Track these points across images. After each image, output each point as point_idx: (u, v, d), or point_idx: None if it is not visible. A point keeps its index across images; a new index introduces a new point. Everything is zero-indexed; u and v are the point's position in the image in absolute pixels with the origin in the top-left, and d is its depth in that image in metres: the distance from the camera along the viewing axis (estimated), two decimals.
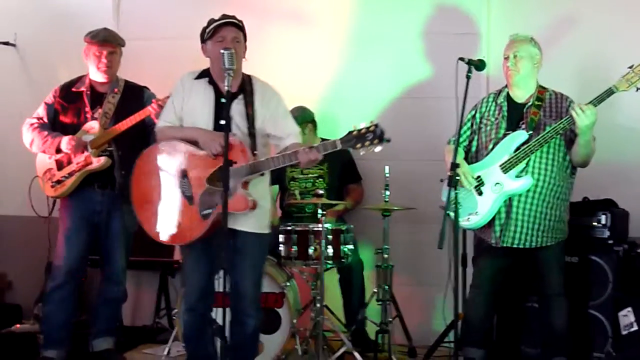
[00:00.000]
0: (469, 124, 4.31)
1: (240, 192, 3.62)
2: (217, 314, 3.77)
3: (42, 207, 4.77)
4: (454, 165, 3.83)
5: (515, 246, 4.12)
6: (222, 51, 3.51)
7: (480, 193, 4.17)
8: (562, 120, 3.99)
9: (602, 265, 4.46)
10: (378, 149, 3.44)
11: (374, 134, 3.42)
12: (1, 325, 5.19)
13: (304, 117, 5.02)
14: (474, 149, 4.31)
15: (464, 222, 4.15)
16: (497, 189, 4.10)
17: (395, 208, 4.72)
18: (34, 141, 4.52)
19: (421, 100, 5.28)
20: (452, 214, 3.95)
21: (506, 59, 4.19)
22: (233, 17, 3.77)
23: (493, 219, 4.15)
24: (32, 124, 4.55)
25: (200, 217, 3.68)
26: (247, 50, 3.83)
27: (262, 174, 3.72)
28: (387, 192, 4.69)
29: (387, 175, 4.69)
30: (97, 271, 4.77)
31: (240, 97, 3.76)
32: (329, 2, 5.47)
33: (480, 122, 4.29)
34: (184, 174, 3.74)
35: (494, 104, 4.27)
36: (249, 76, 3.83)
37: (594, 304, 4.45)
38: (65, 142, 4.41)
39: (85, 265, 4.65)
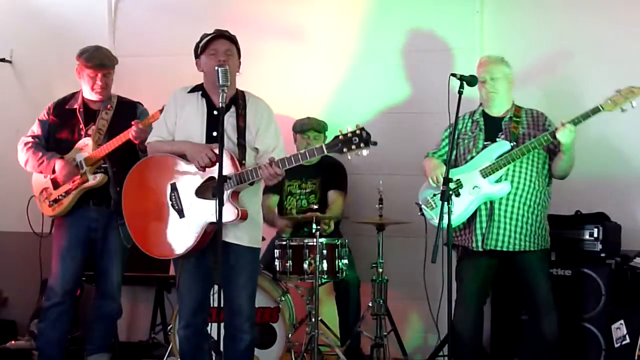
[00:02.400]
0: (446, 141, 4.42)
1: (229, 202, 3.60)
2: (211, 328, 3.78)
3: (37, 225, 4.78)
4: (447, 180, 3.86)
5: (498, 249, 4.16)
6: (216, 68, 3.55)
7: (457, 195, 4.21)
8: (545, 134, 4.10)
9: (595, 278, 4.49)
10: (365, 152, 3.43)
11: (360, 138, 3.42)
12: None
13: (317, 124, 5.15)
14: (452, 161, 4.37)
15: (437, 220, 4.19)
16: (474, 192, 4.17)
17: (390, 222, 4.75)
18: (28, 161, 4.53)
19: (415, 116, 5.31)
20: (427, 213, 4.17)
21: (483, 82, 4.27)
22: (225, 31, 3.81)
23: (474, 223, 4.19)
24: (26, 143, 4.56)
25: (190, 230, 3.69)
26: (243, 65, 3.88)
27: (252, 184, 3.69)
28: (381, 207, 4.72)
29: (381, 189, 4.72)
30: (92, 287, 4.78)
31: (232, 109, 3.78)
32: (323, 19, 5.50)
33: (458, 137, 4.36)
34: (173, 188, 3.75)
35: (470, 120, 4.37)
36: (242, 91, 3.87)
37: (587, 317, 4.48)
38: (59, 167, 4.42)
39: (80, 282, 4.66)
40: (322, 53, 5.49)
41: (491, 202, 4.16)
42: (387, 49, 5.40)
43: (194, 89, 3.88)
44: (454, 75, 3.99)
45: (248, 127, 3.78)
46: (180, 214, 3.73)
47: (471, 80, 4.03)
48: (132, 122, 4.34)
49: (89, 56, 4.48)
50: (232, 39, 3.81)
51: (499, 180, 4.15)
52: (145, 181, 3.84)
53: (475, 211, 4.19)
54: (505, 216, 4.15)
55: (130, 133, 4.31)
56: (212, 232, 3.64)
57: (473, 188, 4.17)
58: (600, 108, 4.00)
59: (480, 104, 4.39)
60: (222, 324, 3.49)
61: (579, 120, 4.00)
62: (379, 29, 5.41)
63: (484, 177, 4.16)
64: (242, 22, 5.37)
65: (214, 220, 3.55)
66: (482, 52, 5.18)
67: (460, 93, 3.93)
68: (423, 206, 4.33)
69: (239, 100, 3.81)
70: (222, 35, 3.78)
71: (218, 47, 3.75)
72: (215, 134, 3.69)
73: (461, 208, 4.18)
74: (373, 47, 5.42)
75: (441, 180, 4.17)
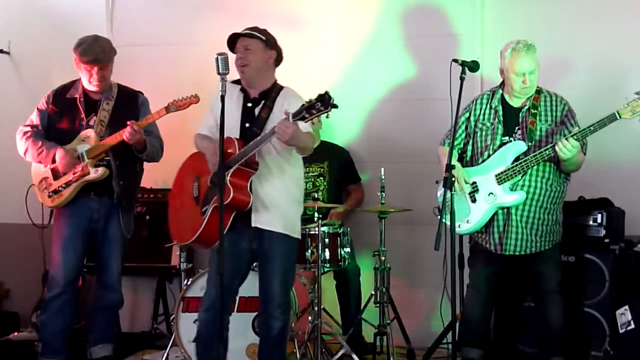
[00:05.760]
0: (463, 127, 4.33)
1: (226, 184, 3.66)
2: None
3: (38, 215, 4.77)
4: (449, 167, 3.84)
5: (517, 254, 4.15)
6: (215, 56, 3.55)
7: (473, 200, 4.20)
8: (547, 147, 4.02)
9: (598, 264, 4.48)
10: (325, 116, 3.49)
11: (322, 101, 3.44)
12: None
13: None
14: (469, 153, 4.31)
15: (456, 225, 4.16)
16: (490, 199, 4.14)
17: (392, 210, 4.74)
18: (28, 150, 4.48)
19: (416, 102, 5.29)
20: (446, 218, 3.93)
21: (517, 74, 4.11)
22: (254, 28, 3.89)
23: (491, 227, 4.18)
24: (25, 132, 4.52)
25: (200, 215, 3.81)
26: None
27: (255, 170, 3.74)
28: (383, 194, 4.70)
29: (383, 177, 4.71)
30: (94, 278, 4.76)
31: (262, 102, 3.87)
32: (323, 6, 5.47)
33: (475, 125, 4.29)
34: (197, 179, 3.94)
35: (488, 107, 4.27)
36: (281, 87, 3.93)
37: (591, 303, 4.47)
38: (59, 156, 4.38)
39: (81, 272, 4.65)
40: (323, 41, 5.46)
41: (508, 208, 4.13)
42: (387, 35, 5.37)
43: (236, 81, 3.95)
44: (455, 61, 3.97)
45: (272, 119, 3.80)
46: (197, 201, 3.89)
47: (473, 66, 3.99)
48: (128, 123, 4.31)
49: (84, 50, 4.39)
50: (251, 35, 3.85)
51: (514, 188, 4.11)
52: (184, 175, 4.07)
53: (493, 214, 4.17)
54: (522, 221, 4.12)
55: (125, 134, 4.29)
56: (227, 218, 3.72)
57: (488, 195, 4.14)
58: (618, 116, 3.86)
59: (500, 87, 4.29)
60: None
61: (597, 127, 3.87)
62: (379, 14, 5.38)
63: (499, 184, 4.12)
64: (242, 10, 5.39)
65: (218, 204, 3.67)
66: (483, 38, 5.18)
67: (462, 79, 3.90)
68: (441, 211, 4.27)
69: (271, 93, 3.88)
70: (238, 35, 3.86)
71: (238, 45, 3.86)
72: (247, 125, 3.83)
73: (478, 216, 4.17)
74: (375, 33, 5.39)
75: (467, 190, 4.17)
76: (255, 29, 3.90)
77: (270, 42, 3.90)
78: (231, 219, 3.75)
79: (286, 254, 3.88)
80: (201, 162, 3.89)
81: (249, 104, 3.89)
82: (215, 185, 3.74)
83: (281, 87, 3.94)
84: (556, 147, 3.94)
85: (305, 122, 3.52)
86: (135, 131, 4.27)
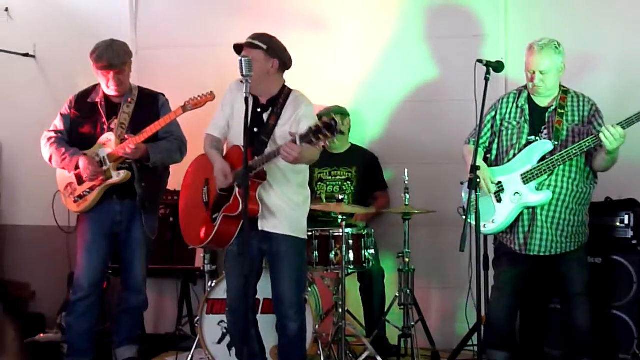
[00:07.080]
0: (489, 125, 4.29)
1: (235, 195, 3.77)
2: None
3: (63, 219, 4.80)
4: (475, 168, 3.81)
5: (541, 254, 4.11)
6: (239, 59, 3.57)
7: (499, 200, 4.16)
8: (588, 139, 3.95)
9: (626, 265, 4.43)
10: (328, 142, 3.44)
11: (329, 128, 3.36)
12: (25, 335, 5.21)
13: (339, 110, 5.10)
14: (494, 152, 4.28)
15: (481, 226, 4.12)
16: (515, 199, 4.09)
17: (416, 211, 4.71)
18: (52, 156, 4.52)
19: (440, 103, 5.26)
20: (471, 219, 3.89)
21: (528, 71, 4.10)
22: (257, 36, 3.86)
23: (516, 227, 4.14)
24: (49, 139, 4.55)
25: (211, 221, 3.86)
26: None
27: (264, 180, 3.78)
28: (407, 196, 4.69)
29: (407, 178, 4.68)
30: (119, 280, 4.79)
31: (270, 109, 3.88)
32: (345, 7, 5.46)
33: (501, 124, 4.25)
34: (206, 183, 3.96)
35: (514, 106, 4.24)
36: (290, 92, 3.92)
37: (619, 305, 4.42)
38: (83, 165, 4.39)
39: (106, 274, 4.67)
40: (346, 41, 5.44)
41: (533, 208, 4.09)
42: (411, 36, 5.34)
43: None
44: (480, 61, 3.94)
45: (280, 125, 3.83)
46: (207, 206, 3.93)
47: (497, 66, 3.96)
48: (126, 136, 4.36)
49: (98, 56, 4.38)
50: (252, 45, 3.82)
51: (540, 188, 4.06)
52: (194, 176, 4.11)
53: (518, 215, 4.14)
54: (547, 221, 4.08)
55: (121, 150, 4.33)
56: (234, 225, 3.80)
57: (514, 194, 4.10)
58: None
59: (525, 87, 4.26)
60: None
61: (625, 125, 3.81)
62: (403, 15, 5.35)
63: (525, 183, 4.08)
64: (264, 12, 5.38)
65: (228, 214, 3.78)
66: (507, 38, 5.14)
67: (486, 80, 3.87)
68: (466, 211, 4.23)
69: (279, 99, 3.88)
70: (239, 47, 3.83)
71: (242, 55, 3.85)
72: (256, 129, 3.84)
73: (503, 216, 4.14)
74: (398, 34, 5.36)
75: (493, 190, 4.13)
76: (258, 37, 3.86)
77: (272, 51, 3.84)
78: (240, 224, 3.78)
79: (295, 255, 3.92)
80: (209, 165, 3.93)
81: (258, 109, 3.89)
82: (225, 193, 3.83)
83: (289, 92, 3.92)
84: (601, 137, 3.84)
85: (312, 146, 3.45)
86: (136, 149, 4.31)
